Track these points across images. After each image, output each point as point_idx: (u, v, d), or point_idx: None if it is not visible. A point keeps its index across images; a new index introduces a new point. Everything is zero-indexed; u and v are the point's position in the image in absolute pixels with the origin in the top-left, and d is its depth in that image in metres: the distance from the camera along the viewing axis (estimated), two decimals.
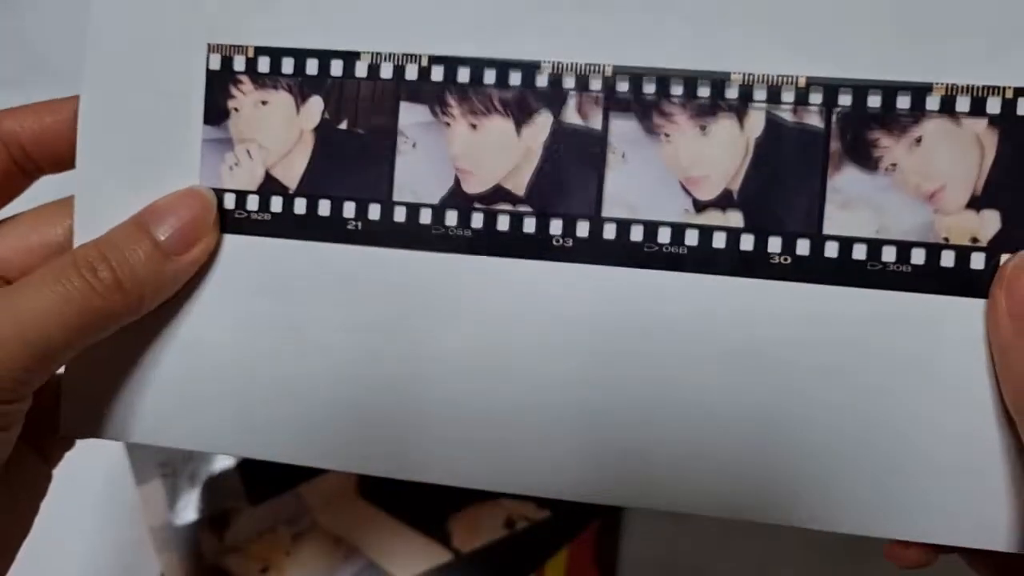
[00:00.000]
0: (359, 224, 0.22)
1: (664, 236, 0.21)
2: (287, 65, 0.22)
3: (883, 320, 0.20)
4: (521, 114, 0.21)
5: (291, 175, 0.22)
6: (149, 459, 0.37)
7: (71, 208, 0.23)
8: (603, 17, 0.21)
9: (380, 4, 0.21)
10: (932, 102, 0.20)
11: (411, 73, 0.21)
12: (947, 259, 0.20)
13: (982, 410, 0.20)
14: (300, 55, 0.22)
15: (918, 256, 0.20)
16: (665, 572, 0.36)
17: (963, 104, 0.20)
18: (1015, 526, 0.20)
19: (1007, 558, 0.20)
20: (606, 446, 0.21)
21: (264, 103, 0.22)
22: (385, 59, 0.21)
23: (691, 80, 0.20)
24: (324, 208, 0.22)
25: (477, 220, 0.21)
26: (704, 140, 0.21)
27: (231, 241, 0.22)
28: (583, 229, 0.21)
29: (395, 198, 0.22)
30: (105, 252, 0.21)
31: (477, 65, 0.21)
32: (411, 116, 0.21)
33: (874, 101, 0.20)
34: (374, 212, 0.22)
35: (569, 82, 0.21)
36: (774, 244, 0.20)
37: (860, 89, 0.20)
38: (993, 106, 0.20)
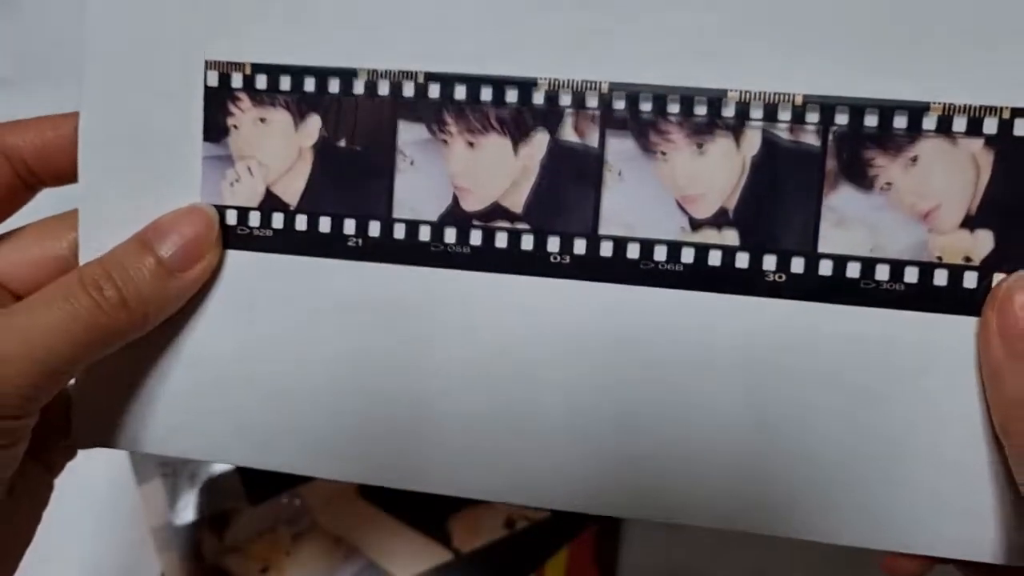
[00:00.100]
0: (359, 241, 0.22)
1: (660, 254, 0.21)
2: (284, 82, 0.22)
3: (876, 337, 0.20)
4: (518, 132, 0.21)
5: (291, 192, 0.22)
6: (149, 459, 0.37)
7: (75, 221, 0.23)
8: (599, 34, 0.21)
9: (375, 21, 0.21)
10: (928, 122, 0.20)
11: (408, 90, 0.21)
12: (940, 278, 0.20)
13: (972, 427, 0.20)
14: (297, 72, 0.22)
15: (911, 275, 0.20)
16: (665, 572, 0.37)
17: (960, 124, 0.20)
18: (1003, 539, 0.20)
19: (998, 567, 0.21)
20: (604, 459, 0.22)
21: (263, 120, 0.22)
22: (381, 76, 0.22)
23: (688, 98, 0.21)
24: (325, 225, 0.22)
25: (476, 237, 0.21)
26: (700, 159, 0.21)
27: (234, 257, 0.23)
28: (580, 246, 0.21)
29: (394, 215, 0.22)
30: (110, 270, 0.21)
31: (473, 82, 0.21)
32: (409, 134, 0.22)
33: (871, 120, 0.20)
34: (374, 229, 0.22)
35: (565, 99, 0.21)
36: (769, 262, 0.21)
37: (857, 108, 0.20)
38: (990, 126, 0.20)
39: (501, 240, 0.21)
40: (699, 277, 0.21)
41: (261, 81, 0.22)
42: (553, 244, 0.21)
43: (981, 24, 0.19)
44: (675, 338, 0.21)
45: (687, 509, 0.21)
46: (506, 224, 0.21)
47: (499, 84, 0.21)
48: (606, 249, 0.21)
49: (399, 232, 0.22)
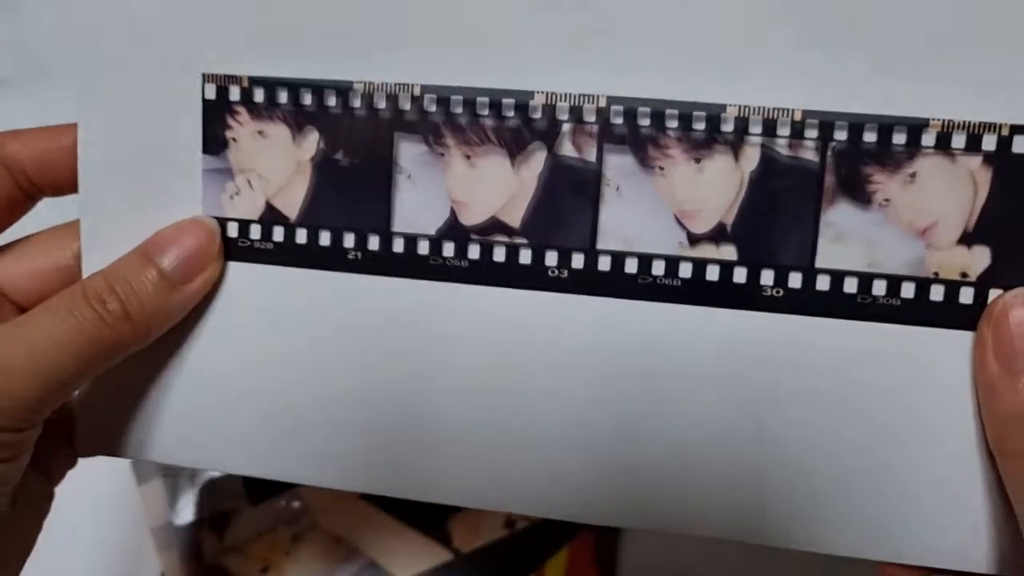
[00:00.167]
0: (359, 254, 0.22)
1: (658, 268, 0.21)
2: (282, 96, 0.22)
3: (872, 352, 0.21)
4: (516, 147, 0.21)
5: (291, 205, 0.22)
6: (150, 460, 0.37)
7: (78, 231, 0.23)
8: (597, 47, 0.21)
9: (371, 34, 0.21)
10: (928, 138, 0.20)
11: (404, 104, 0.21)
12: (936, 293, 0.20)
13: (966, 441, 0.20)
14: (294, 85, 0.22)
15: (908, 290, 0.20)
16: (665, 572, 0.37)
17: (959, 141, 0.20)
18: (995, 550, 0.20)
19: None
20: (602, 469, 0.22)
21: (261, 133, 0.22)
22: (378, 89, 0.22)
23: (686, 113, 0.20)
24: (325, 238, 0.22)
25: (474, 251, 0.22)
26: (699, 174, 0.21)
27: (235, 269, 0.23)
28: (578, 261, 0.21)
29: (394, 229, 0.22)
30: (113, 284, 0.21)
31: (470, 95, 0.21)
32: (406, 148, 0.22)
33: (870, 136, 0.20)
34: (373, 243, 0.22)
35: (563, 114, 0.21)
36: (767, 277, 0.21)
37: (856, 124, 0.20)
38: (988, 143, 0.20)
39: (499, 254, 0.21)
40: (697, 292, 0.21)
41: (259, 94, 0.22)
42: (551, 258, 0.21)
43: (980, 41, 0.19)
44: (672, 352, 0.21)
45: (684, 519, 0.22)
46: (504, 238, 0.21)
47: (496, 97, 0.21)
48: (604, 263, 0.21)
49: (398, 246, 0.22)
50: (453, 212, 0.22)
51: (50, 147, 0.23)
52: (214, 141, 0.22)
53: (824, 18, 0.20)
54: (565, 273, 0.21)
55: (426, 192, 0.22)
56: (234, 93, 0.22)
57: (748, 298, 0.21)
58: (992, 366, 0.19)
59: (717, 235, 0.21)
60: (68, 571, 0.37)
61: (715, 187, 0.21)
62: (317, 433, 0.23)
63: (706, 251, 0.21)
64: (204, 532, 0.37)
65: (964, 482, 0.20)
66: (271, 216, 0.22)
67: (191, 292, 0.22)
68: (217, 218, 0.23)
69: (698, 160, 0.21)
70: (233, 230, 0.23)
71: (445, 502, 0.23)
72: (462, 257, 0.22)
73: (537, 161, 0.21)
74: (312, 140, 0.22)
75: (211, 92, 0.22)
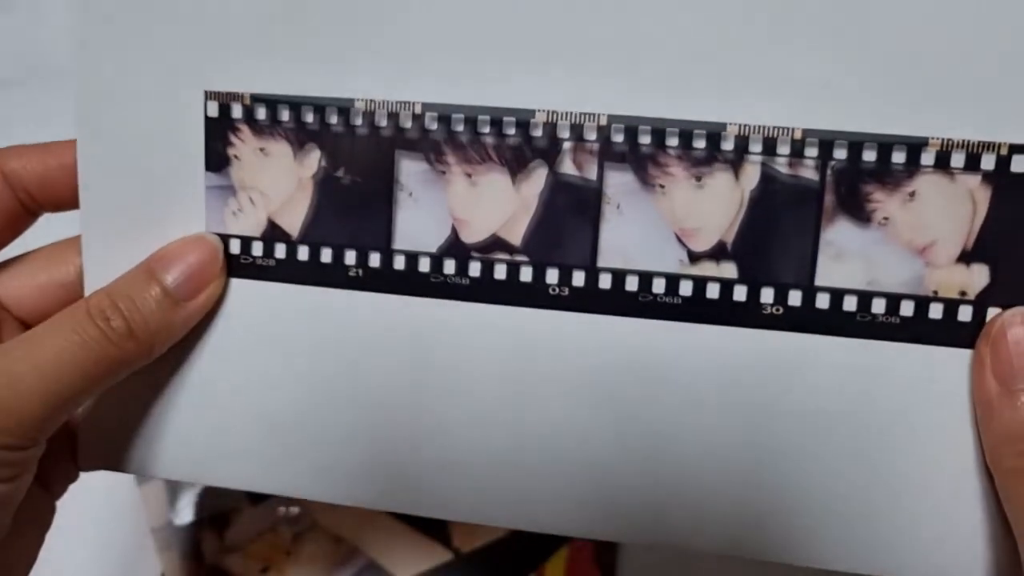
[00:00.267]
0: (360, 271, 0.22)
1: (659, 286, 0.21)
2: (283, 113, 0.22)
3: (871, 369, 0.21)
4: (517, 165, 0.21)
5: (293, 223, 0.22)
6: None
7: (79, 246, 0.23)
8: (597, 66, 0.21)
9: (373, 52, 0.21)
10: (927, 157, 0.20)
11: (406, 121, 0.21)
12: (935, 311, 0.20)
13: (964, 458, 0.20)
14: (295, 103, 0.22)
15: (907, 308, 0.20)
16: (665, 572, 0.37)
17: (958, 160, 0.20)
18: (991, 567, 0.21)
19: None
20: (603, 486, 0.22)
21: (263, 151, 0.22)
22: (379, 107, 0.22)
23: (687, 131, 0.21)
24: (326, 255, 0.22)
25: (475, 269, 0.22)
26: (699, 192, 0.21)
27: (237, 285, 0.23)
28: (579, 279, 0.21)
29: (395, 246, 0.22)
30: (117, 301, 0.21)
31: (471, 114, 0.21)
32: (408, 166, 0.22)
33: (869, 155, 0.20)
34: (374, 260, 0.22)
35: (564, 132, 0.21)
36: (767, 295, 0.21)
37: (856, 143, 0.20)
38: (987, 162, 0.20)
39: (500, 272, 0.22)
40: (697, 309, 0.21)
41: (261, 112, 0.22)
42: (552, 276, 0.21)
43: (979, 60, 0.19)
44: (672, 369, 0.21)
45: (683, 535, 0.22)
46: (505, 256, 0.22)
47: (497, 115, 0.21)
48: (605, 281, 0.21)
49: (399, 263, 0.22)
50: (454, 230, 0.22)
51: (51, 163, 0.23)
52: (216, 158, 0.22)
53: (824, 37, 0.20)
54: (566, 291, 0.21)
55: (427, 210, 0.22)
56: (236, 110, 0.22)
57: (748, 316, 0.21)
58: (990, 384, 0.19)
59: (717, 253, 0.21)
60: (68, 571, 0.37)
61: (715, 205, 0.21)
62: (318, 449, 0.23)
63: (706, 269, 0.21)
64: (204, 532, 0.37)
65: (962, 499, 0.20)
66: (273, 233, 0.23)
67: (194, 309, 0.22)
68: (219, 235, 0.23)
69: (698, 178, 0.21)
70: (235, 247, 0.23)
71: (446, 518, 0.23)
72: (463, 275, 0.22)
73: (538, 179, 0.21)
74: (314, 157, 0.22)
75: (213, 109, 0.22)
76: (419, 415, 0.22)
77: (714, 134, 0.20)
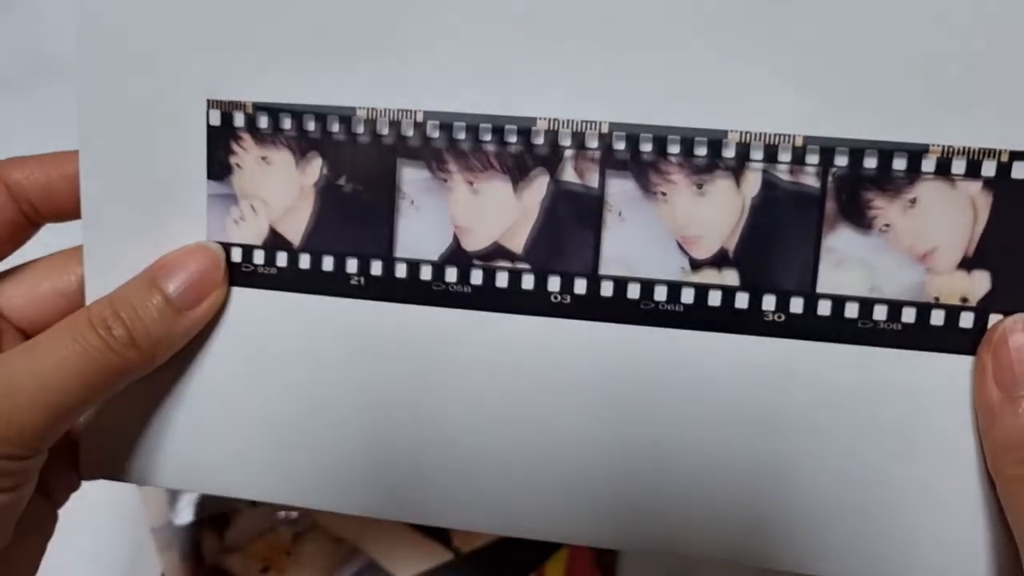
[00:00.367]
0: (362, 279, 0.22)
1: (661, 294, 0.21)
2: (285, 122, 0.22)
3: (873, 376, 0.21)
4: (518, 173, 0.21)
5: (295, 231, 0.22)
6: None
7: (80, 256, 0.23)
8: (599, 73, 0.21)
9: (374, 60, 0.21)
10: (928, 164, 0.20)
11: (407, 130, 0.21)
12: (937, 318, 0.20)
13: (966, 465, 0.20)
14: (298, 111, 0.22)
15: (909, 315, 0.20)
16: (665, 572, 0.37)
17: (959, 166, 0.20)
18: (994, 574, 0.21)
19: None
20: (605, 494, 0.22)
21: (265, 159, 0.22)
22: (381, 115, 0.22)
23: (688, 139, 0.21)
24: (328, 264, 0.22)
25: (476, 277, 0.22)
26: (701, 200, 0.21)
27: (238, 294, 0.23)
28: (581, 286, 0.21)
29: (396, 254, 0.22)
30: (118, 309, 0.21)
31: (472, 120, 0.21)
32: (409, 174, 0.22)
33: (870, 162, 0.20)
34: (376, 268, 0.22)
35: (565, 140, 0.21)
36: (768, 302, 0.21)
37: (857, 150, 0.20)
38: (988, 169, 0.20)
39: (502, 280, 0.22)
40: (699, 317, 0.21)
41: (263, 120, 0.22)
42: (554, 284, 0.21)
43: (980, 67, 0.19)
44: (674, 377, 0.21)
45: (686, 543, 0.22)
46: (507, 264, 0.22)
47: (498, 123, 0.21)
48: (607, 289, 0.21)
49: (401, 271, 0.22)
50: (456, 238, 0.22)
51: (53, 174, 0.23)
52: (218, 167, 0.22)
53: (824, 44, 0.20)
54: (567, 299, 0.21)
55: (429, 218, 0.22)
56: (238, 119, 0.22)
57: (750, 323, 0.21)
58: (992, 391, 0.19)
59: (719, 260, 0.21)
60: (68, 571, 0.37)
61: (717, 212, 0.21)
62: (320, 457, 0.23)
63: (708, 276, 0.21)
64: (204, 532, 0.37)
65: (964, 506, 0.20)
66: (275, 241, 0.23)
67: (196, 318, 0.22)
68: (221, 243, 0.23)
69: (700, 186, 0.21)
70: (237, 255, 0.23)
71: (448, 526, 0.23)
72: (465, 283, 0.22)
73: (539, 187, 0.21)
74: (315, 166, 0.22)
75: (215, 118, 0.22)
76: (420, 424, 0.22)
77: (715, 141, 0.20)
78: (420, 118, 0.21)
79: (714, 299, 0.21)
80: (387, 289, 0.22)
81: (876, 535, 0.21)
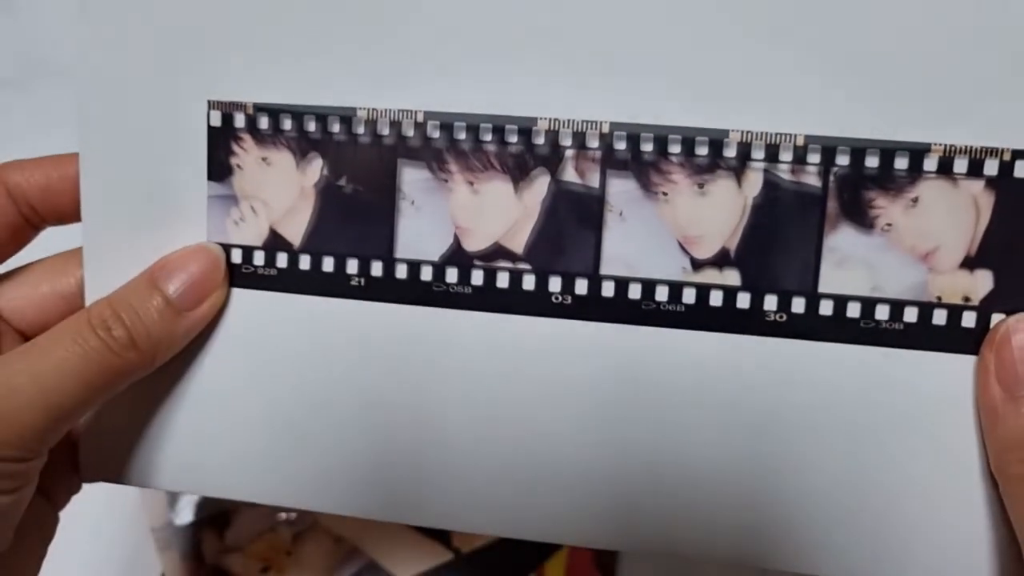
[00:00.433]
0: (362, 280, 0.22)
1: (662, 294, 0.21)
2: (286, 122, 0.22)
3: (875, 375, 0.21)
4: (519, 173, 0.21)
5: (295, 232, 0.22)
6: None
7: (80, 258, 0.23)
8: (600, 73, 0.21)
9: (374, 61, 0.21)
10: (930, 163, 0.20)
11: (408, 130, 0.21)
12: (939, 317, 0.20)
13: (968, 465, 0.20)
14: (298, 112, 0.22)
15: (911, 314, 0.20)
16: (664, 571, 0.37)
17: (960, 165, 0.20)
18: (997, 574, 0.21)
19: None
20: (605, 495, 0.22)
21: (265, 160, 0.22)
22: (381, 115, 0.22)
23: (689, 138, 0.20)
24: (328, 264, 0.22)
25: (477, 277, 0.22)
26: (702, 199, 0.21)
27: (239, 295, 0.23)
28: (582, 287, 0.21)
29: (397, 255, 0.22)
30: (118, 310, 0.21)
31: (473, 122, 0.21)
32: (410, 175, 0.22)
33: (872, 161, 0.20)
34: (376, 269, 0.22)
35: (566, 140, 0.21)
36: (770, 302, 0.21)
37: (858, 149, 0.20)
38: (990, 168, 0.20)
39: (503, 280, 0.22)
40: (700, 317, 0.21)
41: (263, 121, 0.22)
42: (555, 284, 0.21)
43: (982, 66, 0.19)
44: (676, 377, 0.21)
45: (686, 544, 0.22)
46: (508, 264, 0.22)
47: (499, 123, 0.21)
48: (608, 289, 0.21)
49: (401, 272, 0.22)
50: (456, 238, 0.22)
51: (53, 176, 0.23)
52: (219, 168, 0.22)
53: (826, 44, 0.20)
54: (568, 299, 0.21)
55: (429, 218, 0.22)
56: (239, 120, 0.22)
57: (751, 323, 0.21)
58: (995, 390, 0.19)
59: (720, 260, 0.21)
60: (68, 571, 0.37)
61: (718, 212, 0.21)
62: (321, 459, 0.23)
63: (709, 276, 0.21)
64: (204, 532, 0.37)
65: (966, 506, 0.20)
66: (275, 242, 0.23)
67: (196, 319, 0.22)
68: (221, 244, 0.23)
69: (701, 185, 0.21)
70: (237, 256, 0.23)
71: (449, 528, 0.23)
72: (465, 283, 0.22)
73: (540, 187, 0.21)
74: (316, 167, 0.22)
75: (216, 119, 0.22)
76: (421, 425, 0.22)
77: (716, 141, 0.20)
78: (420, 118, 0.21)
79: (715, 299, 0.21)
80: (388, 290, 0.22)
81: (877, 535, 0.21)
